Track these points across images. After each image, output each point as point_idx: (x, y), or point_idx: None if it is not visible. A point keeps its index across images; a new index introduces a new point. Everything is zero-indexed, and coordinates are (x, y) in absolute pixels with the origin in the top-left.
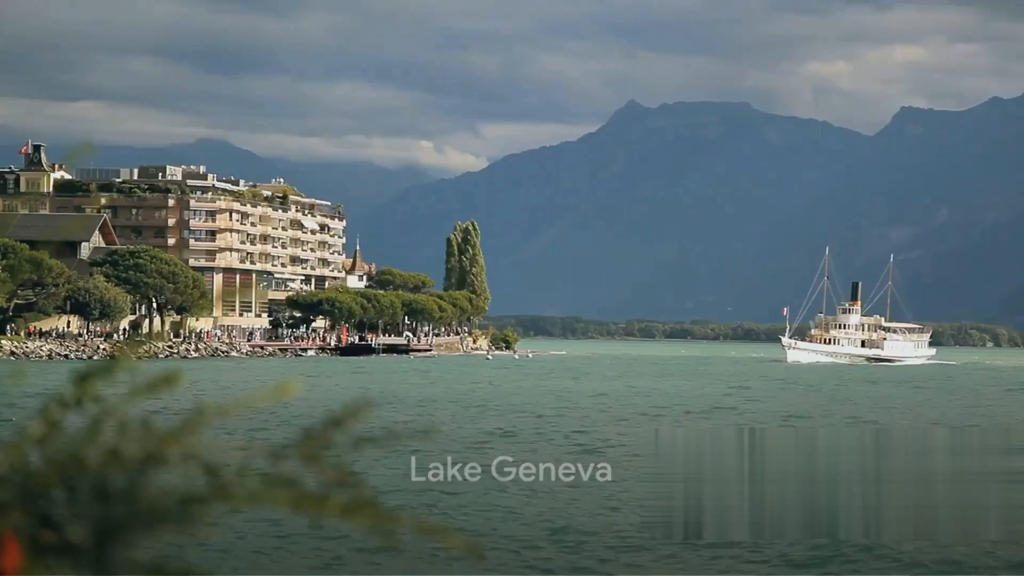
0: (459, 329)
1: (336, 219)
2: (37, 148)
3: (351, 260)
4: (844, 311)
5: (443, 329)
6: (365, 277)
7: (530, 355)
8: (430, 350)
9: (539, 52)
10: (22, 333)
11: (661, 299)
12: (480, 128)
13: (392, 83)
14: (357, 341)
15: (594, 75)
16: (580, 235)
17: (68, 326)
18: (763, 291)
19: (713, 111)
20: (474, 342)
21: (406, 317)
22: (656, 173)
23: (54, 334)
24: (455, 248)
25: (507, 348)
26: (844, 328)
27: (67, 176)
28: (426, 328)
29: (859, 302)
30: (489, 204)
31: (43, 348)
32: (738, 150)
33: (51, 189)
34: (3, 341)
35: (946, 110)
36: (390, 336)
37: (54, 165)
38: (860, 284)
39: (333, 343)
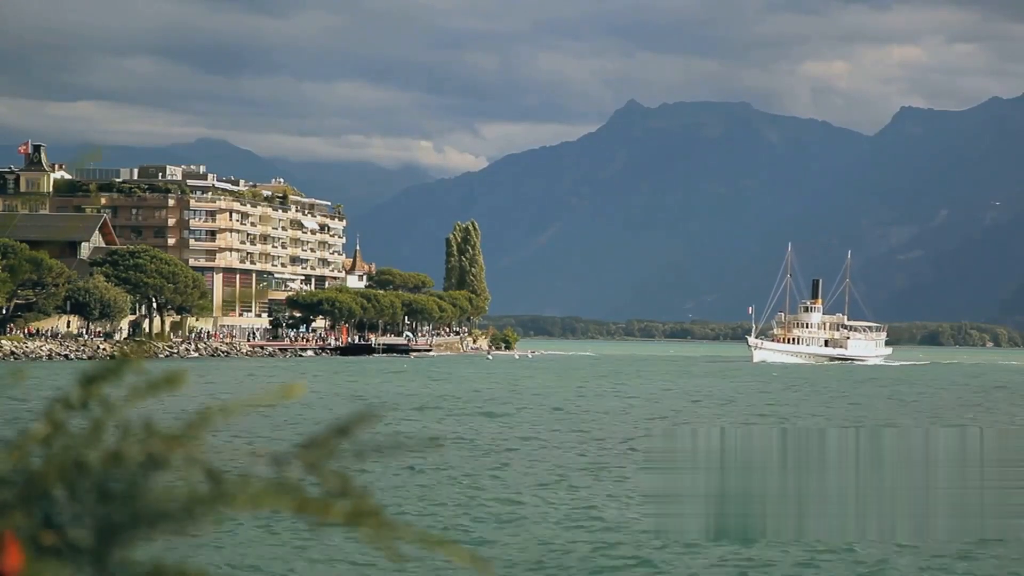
0: (459, 329)
1: (336, 219)
2: (37, 148)
3: (351, 260)
4: (806, 310)
5: (443, 329)
6: (365, 277)
7: (531, 355)
8: (430, 350)
9: (538, 52)
10: (22, 333)
11: (661, 299)
12: (479, 128)
13: (391, 83)
14: (357, 341)
15: (594, 75)
16: (580, 235)
17: (68, 326)
18: (763, 291)
19: (713, 111)
20: (474, 342)
21: (406, 317)
22: (656, 173)
23: (50, 333)
24: (455, 248)
25: (507, 348)
26: (807, 327)
27: (67, 176)
28: (426, 328)
29: (820, 300)
30: (489, 204)
31: (43, 348)
32: (738, 150)
33: (51, 189)
34: (3, 341)
35: (946, 110)
36: (390, 336)
37: (54, 165)
38: (820, 282)
39: (333, 343)
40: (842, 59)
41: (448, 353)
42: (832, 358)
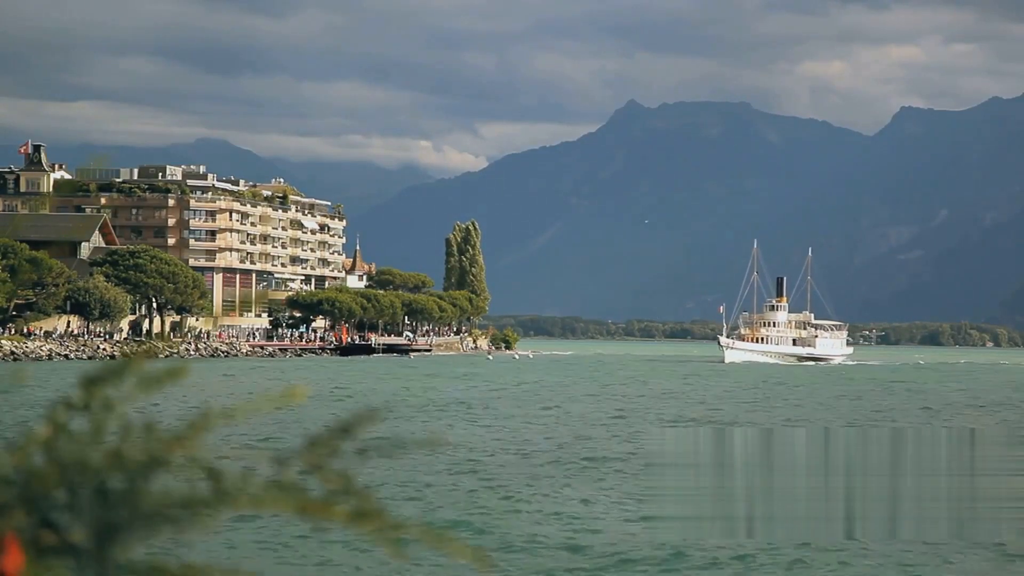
0: (459, 329)
1: (336, 219)
2: (37, 148)
3: (351, 260)
4: (771, 308)
5: (443, 329)
6: (365, 277)
7: (531, 355)
8: (430, 350)
9: (537, 52)
10: (22, 333)
11: (661, 299)
12: (479, 128)
13: (390, 83)
14: (357, 341)
15: (593, 75)
16: (580, 235)
17: (68, 326)
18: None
19: (713, 111)
20: (474, 342)
21: (406, 317)
22: (656, 173)
23: (42, 332)
24: (455, 248)
25: (507, 348)
26: (774, 326)
27: (67, 176)
28: (426, 328)
29: (785, 298)
30: (489, 204)
31: (43, 348)
32: (738, 150)
33: (51, 189)
34: (3, 341)
35: (946, 110)
36: (390, 336)
37: (54, 165)
38: (785, 280)
39: (333, 343)
40: (840, 59)
41: (448, 353)
42: (802, 357)
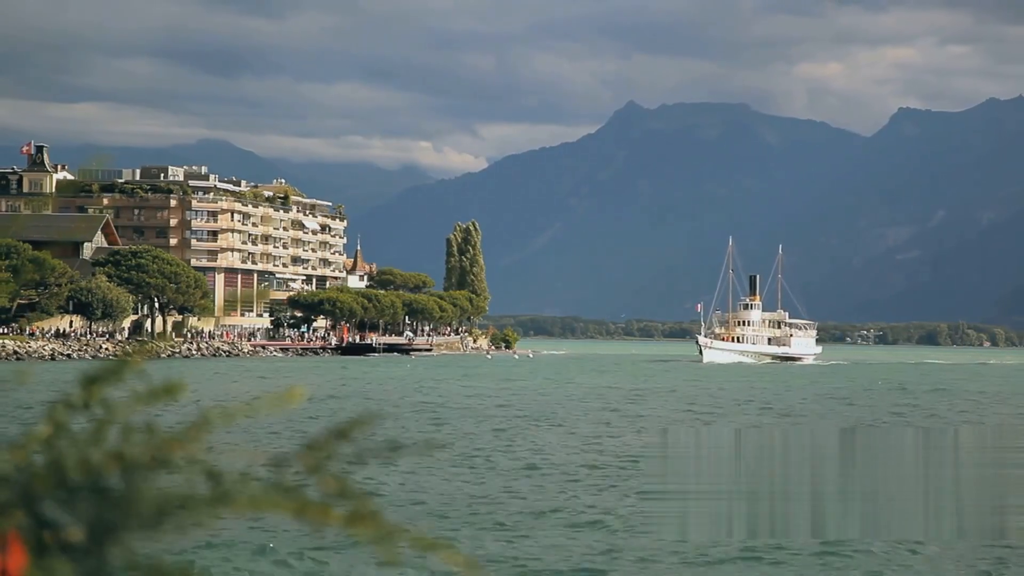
0: (459, 329)
1: (337, 219)
2: (40, 149)
3: (352, 260)
4: (745, 307)
5: (444, 329)
6: (366, 277)
7: (531, 355)
8: (430, 350)
9: (536, 53)
10: (25, 332)
11: (661, 299)
12: (478, 129)
13: (389, 84)
14: (358, 341)
15: (593, 76)
16: (580, 235)
17: (71, 326)
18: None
19: (712, 112)
20: (474, 342)
21: (407, 317)
22: (655, 173)
23: (42, 331)
24: (455, 248)
25: (507, 348)
26: (749, 325)
27: (69, 177)
28: (426, 328)
29: (758, 296)
30: (489, 204)
31: (45, 348)
32: (736, 151)
33: (54, 189)
34: (6, 341)
35: (944, 111)
36: (391, 336)
37: (57, 166)
38: (758, 277)
39: (334, 343)
40: (837, 60)
41: (449, 353)
42: (777, 357)
